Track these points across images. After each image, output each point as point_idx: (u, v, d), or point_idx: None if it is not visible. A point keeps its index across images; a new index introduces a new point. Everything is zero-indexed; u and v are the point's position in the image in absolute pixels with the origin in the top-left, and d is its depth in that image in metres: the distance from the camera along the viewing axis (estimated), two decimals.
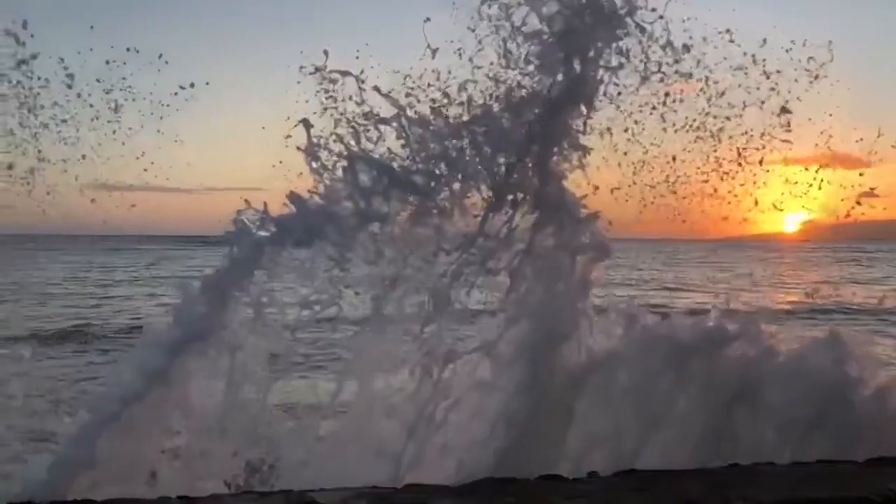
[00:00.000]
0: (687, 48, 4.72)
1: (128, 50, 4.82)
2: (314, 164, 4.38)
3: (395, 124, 4.47)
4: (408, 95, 4.63)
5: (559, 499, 3.44)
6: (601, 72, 4.64)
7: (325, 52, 4.58)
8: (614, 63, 4.65)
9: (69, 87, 4.65)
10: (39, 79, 4.61)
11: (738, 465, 4.03)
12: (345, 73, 4.55)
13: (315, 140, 4.40)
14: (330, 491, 3.48)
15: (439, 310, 4.43)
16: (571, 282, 4.58)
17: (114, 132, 4.89)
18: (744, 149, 5.01)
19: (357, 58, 4.66)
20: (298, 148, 4.40)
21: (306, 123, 4.43)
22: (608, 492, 3.61)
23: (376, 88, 4.54)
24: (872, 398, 4.64)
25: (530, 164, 4.55)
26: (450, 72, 4.66)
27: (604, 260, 4.67)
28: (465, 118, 4.58)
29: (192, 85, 4.96)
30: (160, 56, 5.04)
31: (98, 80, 4.74)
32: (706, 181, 5.11)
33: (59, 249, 33.18)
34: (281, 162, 4.55)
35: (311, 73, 4.57)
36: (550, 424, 4.34)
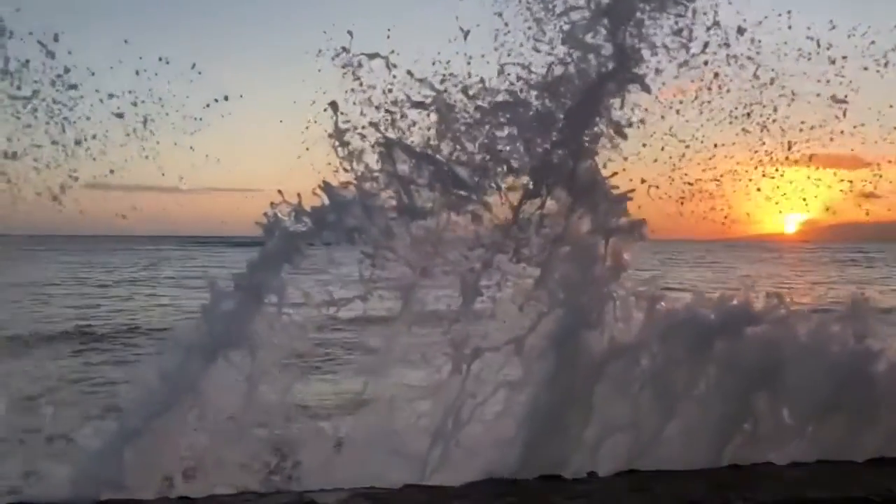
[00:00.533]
0: (741, 30, 4.50)
1: (160, 59, 4.79)
2: (342, 152, 4.26)
3: (432, 110, 4.35)
4: (443, 81, 4.45)
5: (559, 499, 3.44)
6: (643, 48, 4.47)
7: (350, 33, 4.41)
8: (658, 41, 4.48)
9: (101, 101, 4.57)
10: (75, 89, 4.53)
11: (738, 466, 4.03)
12: (372, 56, 4.37)
13: (343, 127, 4.26)
14: (329, 491, 3.48)
15: (468, 303, 4.35)
16: (603, 266, 4.46)
17: (143, 149, 4.83)
18: (794, 143, 4.77)
19: (388, 37, 4.51)
20: (331, 134, 4.25)
21: (334, 105, 4.28)
22: (608, 492, 3.61)
23: (410, 73, 4.38)
24: (894, 371, 4.50)
25: (567, 147, 4.42)
26: (483, 56, 4.50)
27: (637, 241, 4.53)
28: (502, 102, 4.43)
29: (226, 98, 4.96)
30: (193, 66, 5.09)
31: (130, 92, 4.70)
32: (750, 179, 4.92)
33: (58, 249, 33.16)
34: (303, 152, 4.39)
35: (336, 56, 4.39)
36: (574, 414, 4.25)
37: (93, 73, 4.60)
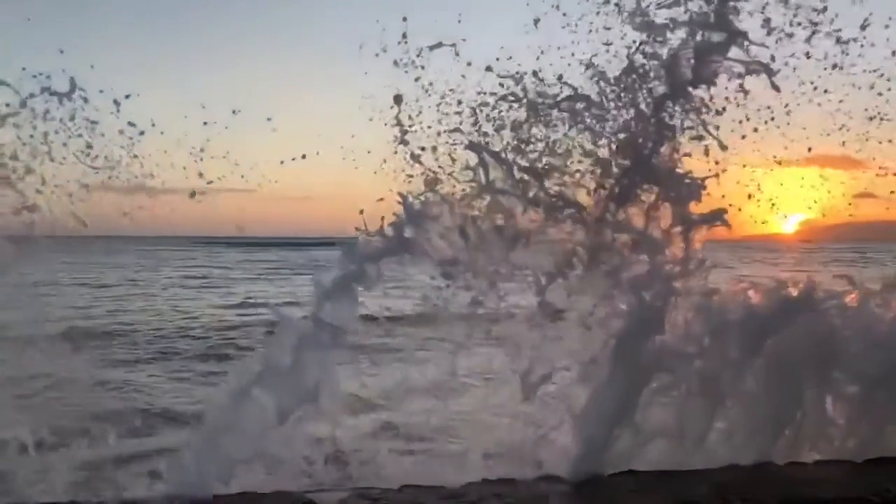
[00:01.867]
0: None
1: None
2: (410, 153, 4.10)
3: (521, 106, 4.18)
4: (515, 77, 4.25)
5: (558, 499, 3.44)
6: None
7: (404, 18, 4.13)
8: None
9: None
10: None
11: (738, 466, 4.01)
12: (434, 46, 4.12)
13: (407, 127, 4.11)
14: (328, 492, 3.48)
15: (545, 312, 4.22)
16: (679, 262, 4.26)
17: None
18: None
19: (459, 22, 4.28)
20: (404, 131, 4.08)
21: (397, 99, 4.09)
22: (608, 492, 3.61)
23: (490, 69, 4.15)
24: None
25: (656, 139, 4.25)
26: (559, 47, 4.25)
27: (718, 226, 4.31)
28: (583, 97, 4.25)
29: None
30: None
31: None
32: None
33: (58, 250, 33.09)
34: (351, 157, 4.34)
35: (382, 51, 4.12)
36: (624, 416, 4.08)
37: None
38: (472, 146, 4.14)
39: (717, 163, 4.37)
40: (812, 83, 4.38)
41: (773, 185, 4.85)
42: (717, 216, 4.30)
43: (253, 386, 3.72)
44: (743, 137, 4.43)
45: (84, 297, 20.19)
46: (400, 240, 3.90)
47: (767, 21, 4.22)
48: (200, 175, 4.62)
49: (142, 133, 4.43)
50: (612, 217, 4.23)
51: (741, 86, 4.30)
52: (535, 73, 4.26)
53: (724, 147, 4.36)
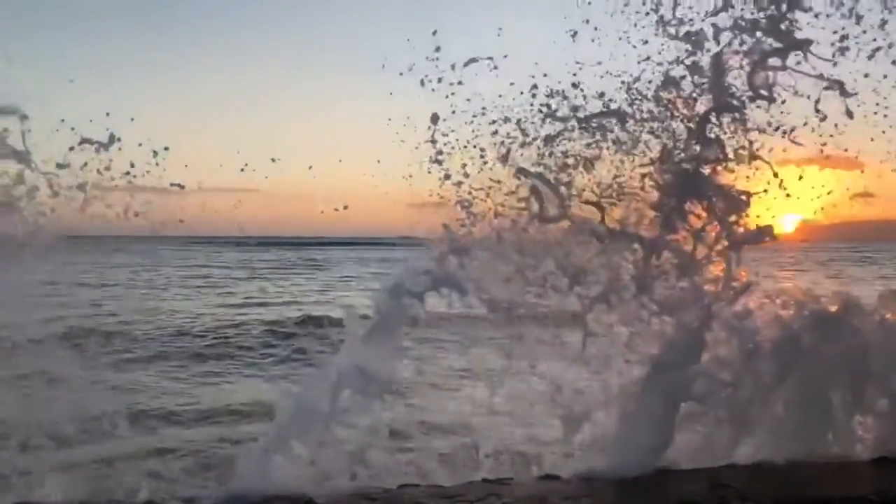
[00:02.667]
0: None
1: None
2: (444, 173, 4.00)
3: (569, 125, 4.09)
4: (575, 87, 4.15)
5: (557, 499, 3.43)
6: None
7: (434, 33, 4.01)
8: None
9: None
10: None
11: (737, 465, 4.01)
12: (470, 62, 4.02)
13: (441, 146, 4.00)
14: (328, 492, 3.47)
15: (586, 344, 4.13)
16: (722, 281, 4.16)
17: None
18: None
19: (499, 35, 4.20)
20: (439, 151, 3.98)
21: (434, 118, 3.99)
22: (607, 492, 3.60)
23: (535, 87, 4.06)
24: None
25: (701, 155, 4.15)
26: (599, 62, 4.16)
27: (765, 242, 4.19)
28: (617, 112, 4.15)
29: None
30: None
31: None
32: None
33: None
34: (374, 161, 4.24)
35: (430, 60, 4.00)
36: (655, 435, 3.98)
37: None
38: (521, 171, 4.07)
39: (756, 169, 4.30)
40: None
41: (773, 184, 4.83)
42: (763, 233, 4.19)
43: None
44: (750, 143, 4.36)
45: (84, 296, 20.18)
46: (445, 275, 3.80)
47: (837, 36, 4.10)
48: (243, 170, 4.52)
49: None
50: (663, 241, 4.13)
51: (816, 107, 4.17)
52: (575, 86, 4.19)
53: (775, 174, 4.27)
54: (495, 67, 4.07)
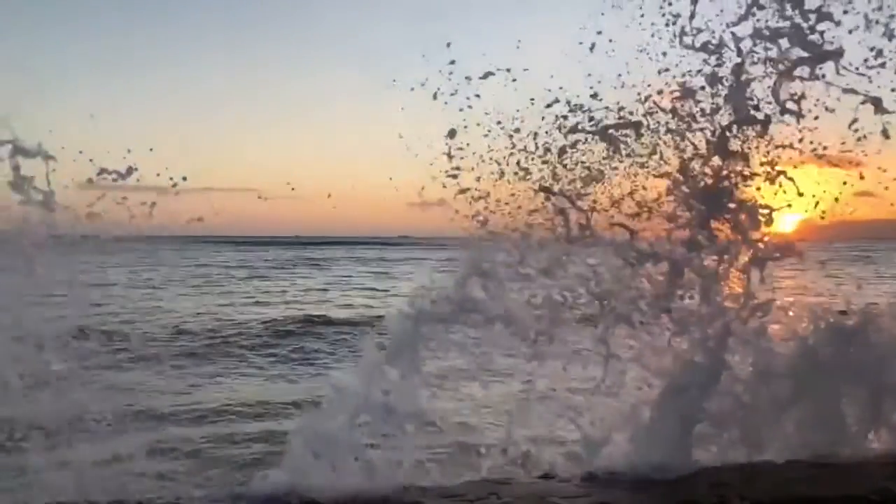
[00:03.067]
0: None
1: None
2: (461, 189, 3.96)
3: (594, 140, 4.04)
4: (593, 97, 4.10)
5: (557, 499, 3.43)
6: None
7: (448, 45, 4.01)
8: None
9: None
10: None
11: (737, 465, 4.02)
12: (487, 75, 3.99)
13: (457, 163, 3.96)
14: (328, 492, 3.47)
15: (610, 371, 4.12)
16: (742, 300, 4.10)
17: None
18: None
19: (519, 47, 4.11)
20: (457, 167, 3.95)
21: (452, 133, 3.97)
22: (607, 492, 3.60)
23: (560, 103, 4.02)
24: None
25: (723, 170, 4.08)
26: (620, 74, 4.09)
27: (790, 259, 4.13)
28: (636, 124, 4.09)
29: None
30: None
31: None
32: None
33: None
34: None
35: (446, 72, 3.95)
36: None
37: None
38: (543, 189, 4.06)
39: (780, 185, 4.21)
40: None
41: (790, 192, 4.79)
42: (788, 249, 4.14)
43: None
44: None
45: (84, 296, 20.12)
46: (467, 299, 3.76)
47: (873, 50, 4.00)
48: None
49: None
50: (687, 259, 4.09)
51: (853, 126, 4.08)
52: (593, 97, 4.15)
53: (800, 193, 4.21)
54: (514, 80, 4.04)
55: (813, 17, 3.97)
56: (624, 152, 4.18)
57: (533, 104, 4.09)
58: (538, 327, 4.01)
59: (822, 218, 4.30)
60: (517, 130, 4.13)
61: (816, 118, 4.10)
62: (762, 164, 4.17)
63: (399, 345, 3.68)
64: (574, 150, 4.15)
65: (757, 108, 4.14)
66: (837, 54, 3.99)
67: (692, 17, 4.08)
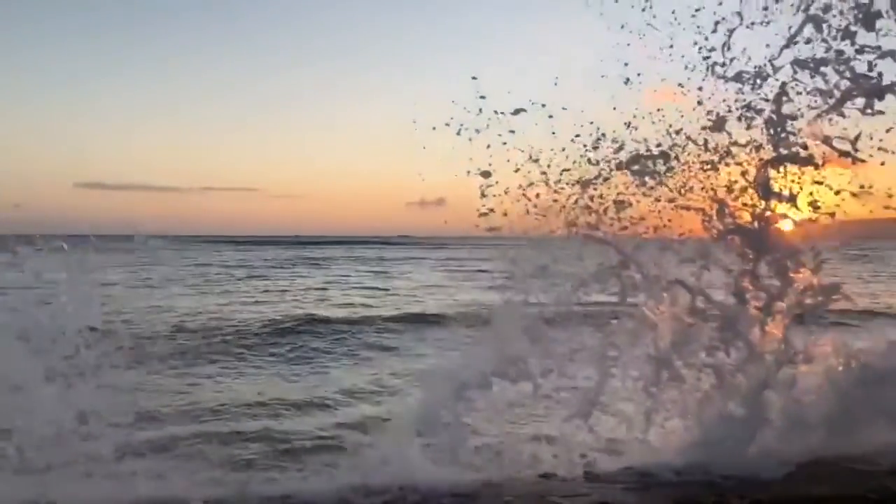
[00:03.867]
0: None
1: None
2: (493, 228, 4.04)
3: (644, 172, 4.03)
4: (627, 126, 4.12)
5: (557, 498, 3.44)
6: None
7: (474, 77, 4.08)
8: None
9: None
10: None
11: (736, 465, 4.02)
12: (518, 111, 4.03)
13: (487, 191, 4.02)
14: (330, 491, 3.49)
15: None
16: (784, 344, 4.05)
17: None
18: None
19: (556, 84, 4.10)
20: (491, 210, 4.02)
21: (486, 174, 4.04)
22: (607, 491, 3.60)
23: (600, 139, 4.06)
24: None
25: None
26: (658, 109, 4.08)
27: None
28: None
29: None
30: None
31: None
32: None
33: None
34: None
35: (475, 108, 3.99)
36: None
37: None
38: (588, 237, 4.15)
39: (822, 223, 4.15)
40: None
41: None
42: (833, 290, 4.04)
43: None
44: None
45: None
46: (513, 361, 3.94)
47: None
48: None
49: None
50: (736, 308, 4.07)
51: None
52: (628, 125, 4.16)
53: (831, 213, 4.14)
54: (550, 116, 4.07)
55: (873, 55, 3.79)
56: (659, 189, 4.19)
57: (565, 138, 4.14)
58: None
59: (832, 216, 4.19)
60: (549, 166, 4.18)
61: (883, 164, 3.94)
62: (811, 203, 4.07)
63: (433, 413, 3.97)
64: (615, 190, 4.19)
65: (805, 146, 4.01)
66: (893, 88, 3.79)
67: (726, 47, 4.01)
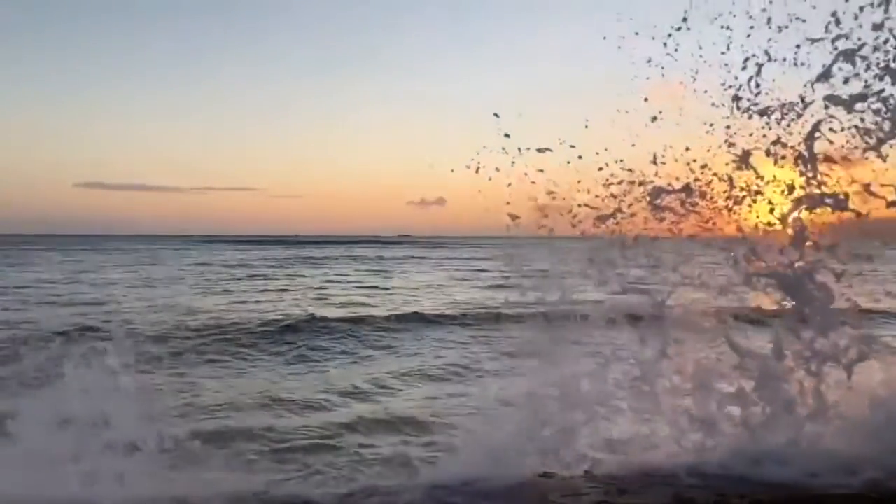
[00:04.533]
0: None
1: None
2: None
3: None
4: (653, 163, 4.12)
5: (557, 497, 3.44)
6: None
7: (496, 114, 4.12)
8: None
9: None
10: None
11: (735, 465, 4.02)
12: (544, 149, 4.04)
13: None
14: (332, 491, 3.49)
15: None
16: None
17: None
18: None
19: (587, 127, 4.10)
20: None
21: (513, 217, 4.10)
22: (607, 490, 3.60)
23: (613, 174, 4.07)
24: None
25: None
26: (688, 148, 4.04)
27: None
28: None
29: None
30: None
31: None
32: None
33: (59, 249, 33.06)
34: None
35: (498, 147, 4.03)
36: None
37: None
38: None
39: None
40: None
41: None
42: (871, 342, 3.94)
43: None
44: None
45: (84, 295, 20.19)
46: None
47: None
48: None
49: None
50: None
51: None
52: (653, 162, 4.15)
53: (869, 256, 4.06)
54: (580, 157, 4.06)
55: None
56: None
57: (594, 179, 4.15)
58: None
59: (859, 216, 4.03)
60: (579, 206, 4.20)
61: None
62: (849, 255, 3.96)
63: None
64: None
65: (835, 196, 3.90)
66: None
67: (753, 83, 3.92)
